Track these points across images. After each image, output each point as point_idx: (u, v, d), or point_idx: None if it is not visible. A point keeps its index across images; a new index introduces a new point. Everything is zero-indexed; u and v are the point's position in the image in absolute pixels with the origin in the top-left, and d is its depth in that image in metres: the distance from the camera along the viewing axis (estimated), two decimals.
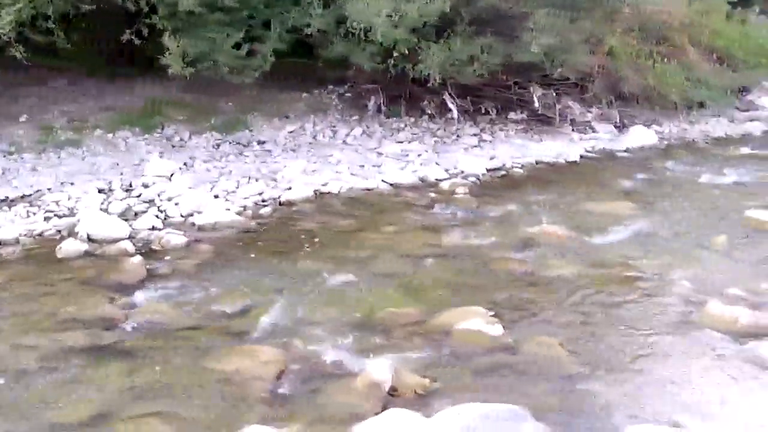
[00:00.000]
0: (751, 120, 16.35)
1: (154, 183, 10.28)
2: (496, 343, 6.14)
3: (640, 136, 14.38)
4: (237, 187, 10.39)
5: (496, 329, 6.26)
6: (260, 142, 12.65)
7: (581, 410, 5.19)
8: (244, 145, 12.46)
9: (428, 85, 13.07)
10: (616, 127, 14.83)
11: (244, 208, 9.79)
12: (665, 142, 14.53)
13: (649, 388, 5.51)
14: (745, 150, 13.82)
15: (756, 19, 19.34)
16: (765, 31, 17.40)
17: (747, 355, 5.88)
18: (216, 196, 10.01)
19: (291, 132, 13.19)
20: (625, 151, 13.78)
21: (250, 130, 13.10)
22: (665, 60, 14.68)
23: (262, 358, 5.81)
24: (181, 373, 5.69)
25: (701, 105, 15.96)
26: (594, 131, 14.57)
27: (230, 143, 12.45)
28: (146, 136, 12.41)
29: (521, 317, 6.73)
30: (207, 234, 8.91)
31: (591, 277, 7.67)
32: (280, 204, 10.08)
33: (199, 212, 9.36)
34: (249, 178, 10.83)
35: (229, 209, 9.57)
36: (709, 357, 5.96)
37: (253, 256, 8.28)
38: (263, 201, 10.08)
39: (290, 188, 10.46)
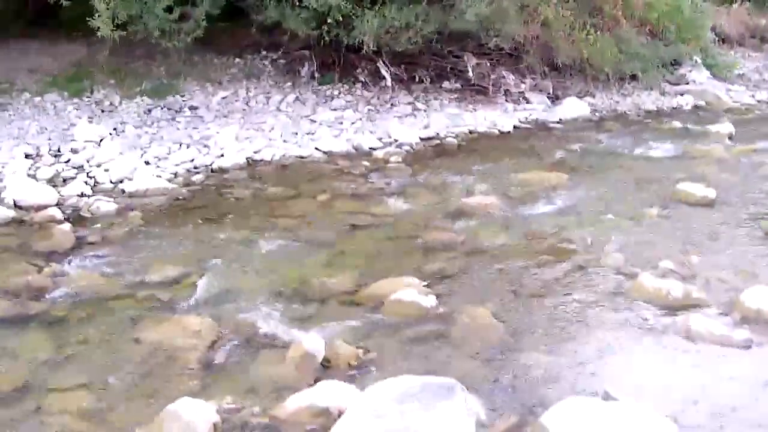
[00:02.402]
0: (682, 94, 16.49)
1: (83, 148, 10.10)
2: (429, 313, 6.14)
3: (573, 107, 14.45)
4: (168, 154, 10.27)
5: (429, 300, 6.26)
6: (192, 108, 12.46)
7: (513, 382, 5.20)
8: (176, 111, 12.27)
9: (362, 52, 13.01)
10: (549, 98, 14.88)
11: (176, 174, 9.69)
12: (598, 114, 14.61)
13: (581, 360, 5.54)
14: (676, 123, 13.93)
15: None
16: (697, 6, 17.52)
17: (677, 328, 5.93)
18: (147, 163, 9.89)
19: (224, 98, 13.03)
20: (558, 122, 13.84)
21: (182, 96, 12.88)
22: (599, 32, 14.72)
23: (194, 329, 5.74)
24: (110, 344, 5.62)
25: (633, 78, 16.05)
26: (528, 102, 14.59)
27: (161, 109, 12.24)
28: (75, 100, 12.17)
29: (454, 287, 6.73)
30: (137, 201, 8.80)
31: (524, 247, 7.70)
32: (212, 171, 10.00)
33: (130, 179, 9.24)
34: (180, 144, 10.70)
35: (160, 176, 9.47)
36: (640, 329, 6.00)
37: (184, 223, 8.20)
38: (195, 168, 9.98)
39: (222, 155, 10.36)
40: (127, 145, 10.41)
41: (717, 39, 19.23)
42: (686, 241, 7.90)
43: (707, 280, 6.84)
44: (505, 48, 13.96)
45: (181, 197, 9.04)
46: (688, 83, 17.06)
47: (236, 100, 13.03)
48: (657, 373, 5.40)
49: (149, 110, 12.16)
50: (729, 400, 5.01)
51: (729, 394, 5.08)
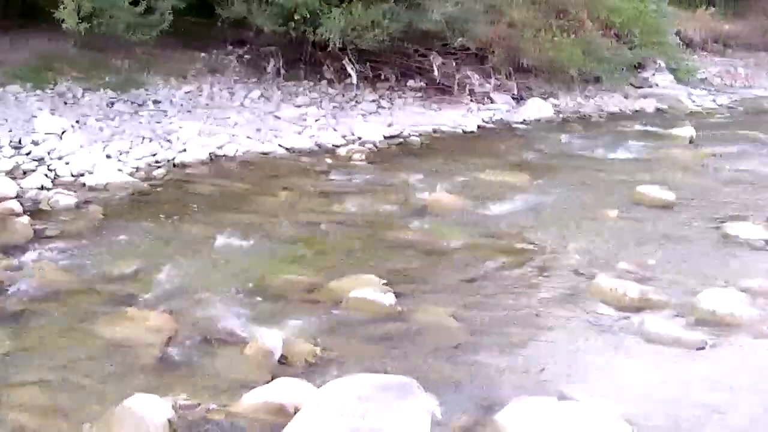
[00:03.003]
0: (645, 97, 16.63)
1: (44, 140, 9.98)
2: (388, 311, 6.14)
3: (537, 108, 14.53)
4: (130, 148, 10.18)
5: (388, 298, 6.26)
6: (156, 102, 12.38)
7: (470, 381, 5.23)
8: (139, 105, 12.19)
9: (329, 49, 13.02)
10: (514, 98, 14.95)
11: (137, 169, 9.63)
12: (561, 116, 14.71)
13: (538, 359, 5.58)
14: (638, 126, 14.06)
15: None
16: (661, 10, 17.68)
17: (633, 329, 5.99)
18: (108, 156, 9.80)
19: (188, 92, 12.97)
20: (522, 122, 13.92)
21: (146, 90, 12.79)
22: (564, 34, 14.82)
23: (152, 324, 5.71)
24: (66, 339, 5.57)
25: (597, 80, 16.17)
26: (492, 102, 14.65)
27: (125, 102, 12.15)
28: (37, 91, 12.02)
29: (413, 286, 6.74)
30: (98, 195, 8.74)
31: (484, 247, 7.74)
32: (174, 166, 9.94)
33: (91, 172, 9.17)
34: (143, 138, 10.61)
35: (121, 170, 9.40)
36: (596, 330, 6.05)
37: (145, 218, 8.15)
38: (157, 162, 9.92)
39: (185, 150, 10.30)
40: (88, 138, 10.31)
41: (681, 43, 19.44)
42: (645, 242, 7.98)
43: (664, 282, 6.90)
44: (470, 48, 14.04)
45: (142, 192, 8.98)
46: (651, 87, 17.24)
47: (200, 95, 12.98)
48: (612, 373, 5.45)
49: (112, 103, 12.07)
50: (683, 400, 5.06)
51: (683, 394, 5.14)
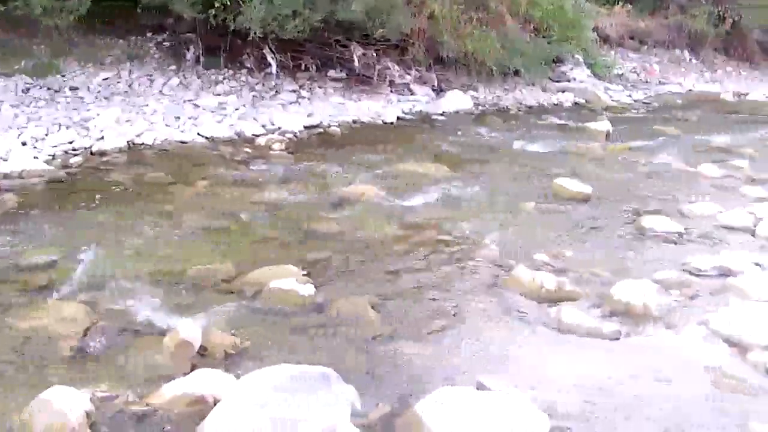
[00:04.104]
0: (563, 91, 16.90)
1: None
2: (307, 302, 6.14)
3: (457, 100, 14.66)
4: (46, 135, 10.05)
5: (307, 288, 6.27)
6: (72, 89, 12.20)
7: (389, 372, 5.26)
8: (56, 91, 12.00)
9: (249, 38, 12.94)
10: (433, 90, 15.06)
11: (54, 156, 9.51)
12: (480, 108, 14.88)
13: (456, 350, 5.63)
14: (556, 120, 14.27)
15: None
16: (580, 6, 17.94)
17: (550, 319, 6.09)
18: (24, 143, 9.67)
19: (105, 79, 12.79)
20: (441, 114, 14.04)
21: (63, 76, 12.61)
22: (484, 27, 14.95)
23: (68, 315, 5.63)
24: None
25: (516, 73, 16.36)
26: (412, 93, 14.74)
27: (41, 88, 11.95)
28: None
29: (333, 277, 6.76)
30: (13, 182, 8.60)
31: (403, 238, 7.77)
32: (91, 154, 9.84)
33: (5, 159, 9.03)
34: (59, 125, 10.47)
35: (37, 157, 9.27)
36: (514, 320, 6.13)
37: (61, 207, 8.05)
38: (74, 150, 9.80)
39: (102, 138, 10.20)
40: (2, 124, 10.15)
41: (598, 39, 19.74)
42: (561, 234, 8.10)
43: (580, 274, 7.02)
44: (391, 39, 14.07)
45: (58, 180, 8.87)
46: (569, 81, 17.49)
47: (118, 82, 12.81)
48: (530, 363, 5.52)
49: (27, 89, 11.87)
50: (598, 389, 5.16)
51: (598, 384, 5.23)
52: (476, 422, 4.35)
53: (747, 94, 20.34)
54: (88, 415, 4.31)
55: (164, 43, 14.42)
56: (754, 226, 8.50)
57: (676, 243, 8.05)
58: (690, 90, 20.34)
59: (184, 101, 12.37)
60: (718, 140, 13.53)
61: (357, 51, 14.18)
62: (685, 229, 8.37)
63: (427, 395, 4.66)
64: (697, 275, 7.12)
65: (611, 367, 5.49)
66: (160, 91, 12.72)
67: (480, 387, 4.88)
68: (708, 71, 22.47)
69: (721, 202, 9.38)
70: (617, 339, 5.90)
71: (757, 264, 7.45)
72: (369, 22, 13.33)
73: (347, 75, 14.54)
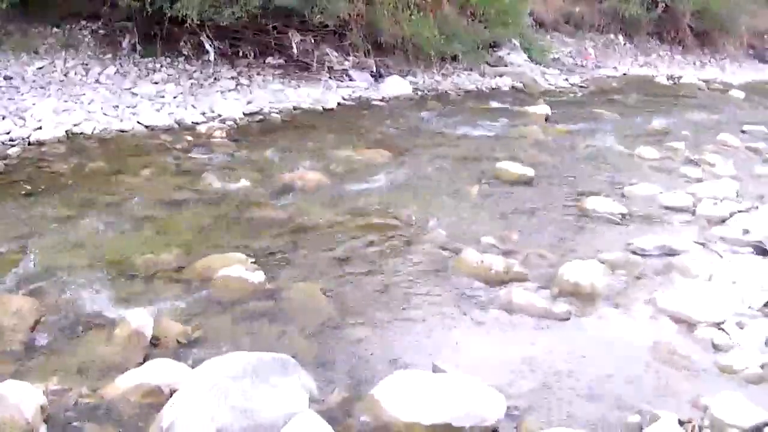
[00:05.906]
0: (500, 75, 17.01)
1: None
2: (257, 290, 6.13)
3: (396, 86, 14.67)
4: None
5: (257, 276, 6.25)
6: (6, 78, 11.92)
7: (343, 357, 5.27)
8: None
9: (186, 25, 12.81)
10: (372, 76, 15.05)
11: None
12: (419, 93, 14.92)
13: (409, 334, 5.66)
14: (495, 104, 14.38)
15: None
16: None
17: (500, 301, 6.16)
18: None
19: (40, 68, 12.55)
20: (381, 100, 14.04)
21: None
22: (422, 12, 14.98)
23: (15, 308, 5.50)
24: None
25: (454, 58, 16.43)
26: (351, 79, 14.72)
27: None
28: None
29: (282, 264, 6.74)
30: None
31: (349, 224, 7.77)
32: (29, 144, 9.66)
33: None
34: None
35: None
36: (465, 303, 6.17)
37: (0, 199, 7.87)
38: (11, 141, 9.62)
39: (40, 128, 10.02)
40: None
41: (534, 24, 19.89)
42: (507, 217, 8.20)
43: (527, 255, 7.11)
44: (329, 25, 14.03)
45: None
46: (506, 65, 17.62)
47: (54, 71, 12.57)
48: (483, 345, 5.59)
49: None
50: (550, 369, 5.24)
51: (550, 363, 5.31)
52: (434, 404, 4.40)
53: (680, 77, 20.66)
54: (42, 409, 4.25)
55: (99, 31, 14.18)
56: (694, 207, 8.67)
57: (619, 224, 8.18)
58: (625, 74, 20.59)
59: (122, 90, 12.19)
60: (655, 123, 13.78)
61: (295, 37, 14.13)
62: (628, 210, 8.50)
63: (384, 379, 4.68)
64: (642, 255, 7.26)
65: (563, 347, 5.57)
66: (97, 80, 12.51)
67: (436, 370, 4.91)
68: (642, 55, 22.74)
69: (661, 183, 9.55)
70: (568, 319, 6.01)
71: (698, 243, 7.62)
72: (307, 8, 13.27)
73: (286, 62, 14.47)
